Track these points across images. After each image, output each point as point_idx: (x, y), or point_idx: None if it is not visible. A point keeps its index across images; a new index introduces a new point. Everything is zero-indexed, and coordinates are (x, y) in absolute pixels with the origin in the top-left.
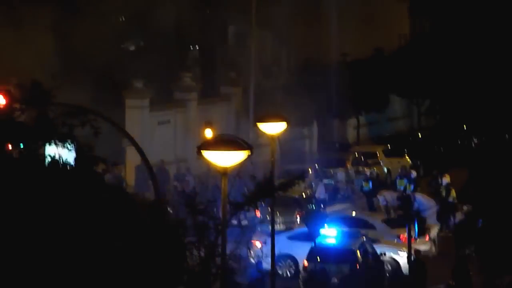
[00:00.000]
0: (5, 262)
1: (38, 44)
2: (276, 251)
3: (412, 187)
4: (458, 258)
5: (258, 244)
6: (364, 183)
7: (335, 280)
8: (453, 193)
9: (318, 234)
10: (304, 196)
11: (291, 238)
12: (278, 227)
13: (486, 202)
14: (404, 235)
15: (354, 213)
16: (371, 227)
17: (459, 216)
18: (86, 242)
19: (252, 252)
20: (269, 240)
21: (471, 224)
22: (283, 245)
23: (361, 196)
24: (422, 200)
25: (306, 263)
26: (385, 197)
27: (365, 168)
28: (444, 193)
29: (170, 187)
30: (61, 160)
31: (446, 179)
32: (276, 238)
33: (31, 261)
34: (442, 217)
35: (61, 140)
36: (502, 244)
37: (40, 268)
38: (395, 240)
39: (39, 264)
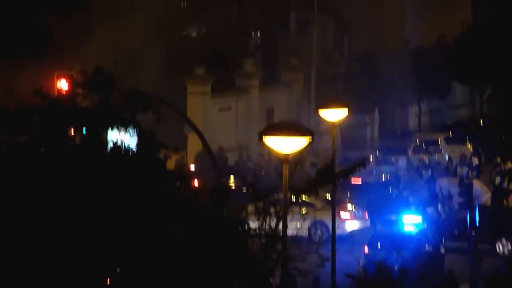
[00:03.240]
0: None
1: (102, 29)
2: None
3: (475, 174)
4: None
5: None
6: (424, 172)
7: (395, 267)
8: None
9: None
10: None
11: None
12: None
13: None
14: None
15: None
16: None
17: None
18: (148, 229)
19: None
20: None
21: None
22: None
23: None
24: (477, 186)
25: (366, 249)
26: (440, 184)
27: (425, 156)
28: (500, 180)
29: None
30: (123, 146)
31: (508, 167)
32: None
33: (91, 242)
34: (494, 202)
35: (124, 125)
36: None
37: (99, 252)
38: None
39: (98, 248)
